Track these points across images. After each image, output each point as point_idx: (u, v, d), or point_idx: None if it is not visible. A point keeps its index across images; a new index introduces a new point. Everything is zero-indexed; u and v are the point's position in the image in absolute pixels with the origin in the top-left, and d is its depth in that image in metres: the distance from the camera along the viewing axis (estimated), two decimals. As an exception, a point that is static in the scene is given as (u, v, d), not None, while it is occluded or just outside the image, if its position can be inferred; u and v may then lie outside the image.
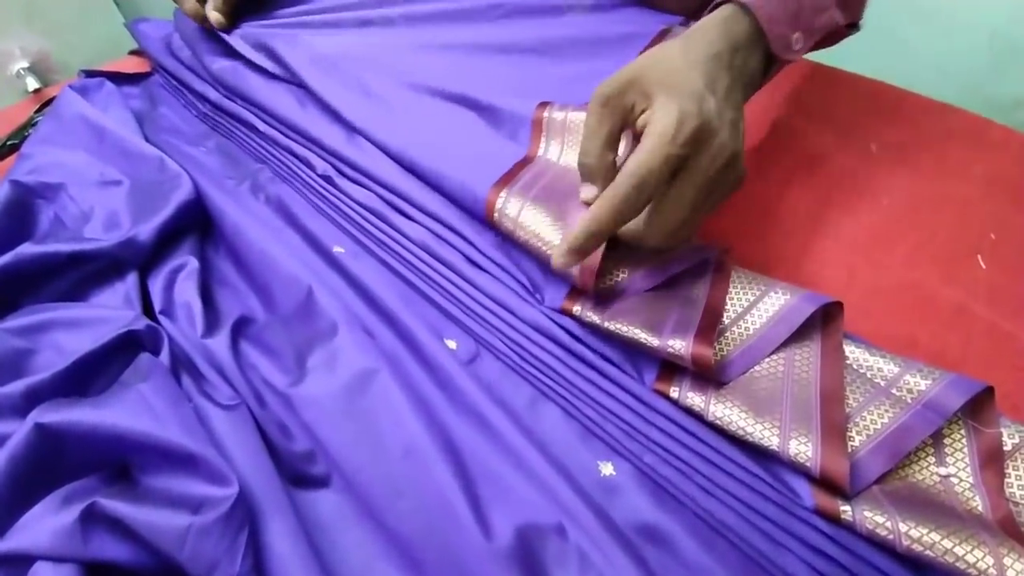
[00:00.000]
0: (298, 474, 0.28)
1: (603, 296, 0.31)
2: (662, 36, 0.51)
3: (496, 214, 0.32)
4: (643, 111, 0.28)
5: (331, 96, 0.42)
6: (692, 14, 0.50)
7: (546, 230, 0.31)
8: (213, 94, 0.49)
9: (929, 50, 0.92)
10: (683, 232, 0.29)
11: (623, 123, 0.29)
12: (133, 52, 0.63)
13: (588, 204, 0.29)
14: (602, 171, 0.29)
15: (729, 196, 0.29)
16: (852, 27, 0.38)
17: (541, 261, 0.32)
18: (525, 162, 0.35)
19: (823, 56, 0.54)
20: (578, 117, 0.37)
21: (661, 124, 0.26)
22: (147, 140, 0.43)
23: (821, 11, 0.33)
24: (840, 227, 0.37)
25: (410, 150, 0.37)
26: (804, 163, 0.41)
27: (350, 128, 0.41)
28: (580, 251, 0.27)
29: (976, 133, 0.43)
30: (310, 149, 0.43)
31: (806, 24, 0.32)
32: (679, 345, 0.27)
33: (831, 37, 0.37)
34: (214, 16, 0.48)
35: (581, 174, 0.30)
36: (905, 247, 0.35)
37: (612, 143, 0.29)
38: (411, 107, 0.41)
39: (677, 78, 0.27)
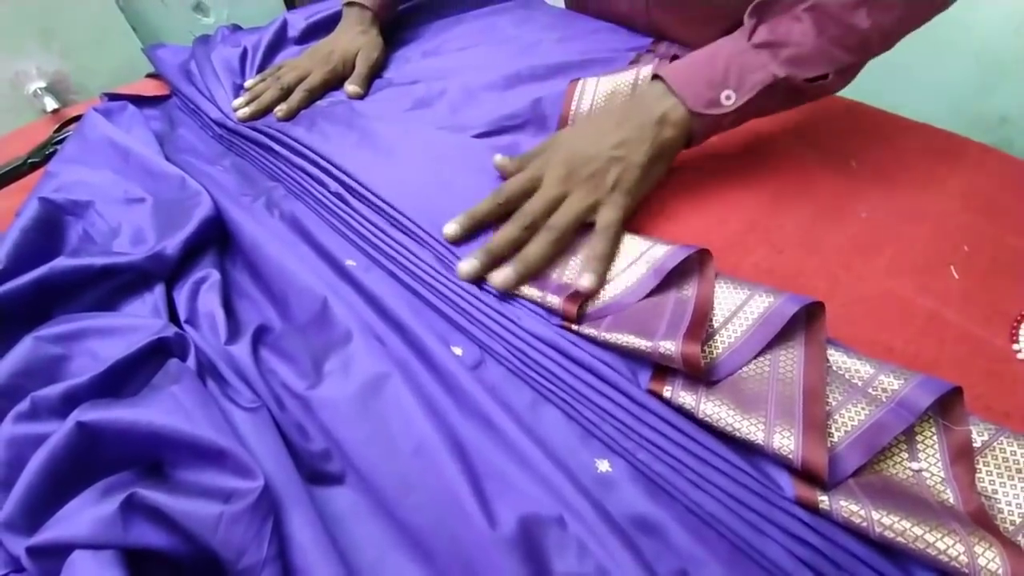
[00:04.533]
0: (315, 471, 0.30)
1: (595, 314, 0.34)
2: (634, 64, 0.55)
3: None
4: None
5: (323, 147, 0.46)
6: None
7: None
8: (231, 123, 0.52)
9: (917, 70, 0.95)
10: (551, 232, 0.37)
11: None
12: (150, 75, 0.66)
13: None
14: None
15: (598, 203, 0.38)
16: (822, 78, 0.40)
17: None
18: None
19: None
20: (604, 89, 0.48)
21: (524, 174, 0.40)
22: (168, 159, 0.46)
23: (755, 71, 0.39)
24: (823, 241, 0.39)
25: (391, 196, 0.42)
26: (791, 180, 0.44)
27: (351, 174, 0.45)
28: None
29: (954, 150, 0.46)
30: (322, 169, 0.45)
31: (736, 83, 0.39)
32: (669, 346, 0.29)
33: (793, 93, 0.41)
34: (352, 90, 0.55)
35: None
36: (883, 259, 0.37)
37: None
38: (409, 146, 0.45)
39: (554, 147, 0.42)
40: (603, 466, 0.29)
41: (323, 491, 0.29)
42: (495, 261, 0.37)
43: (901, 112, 0.50)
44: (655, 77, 0.41)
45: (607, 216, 0.37)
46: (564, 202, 0.38)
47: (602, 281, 0.35)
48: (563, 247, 0.37)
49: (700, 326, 0.30)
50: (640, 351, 0.30)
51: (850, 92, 0.53)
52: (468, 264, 0.36)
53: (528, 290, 0.36)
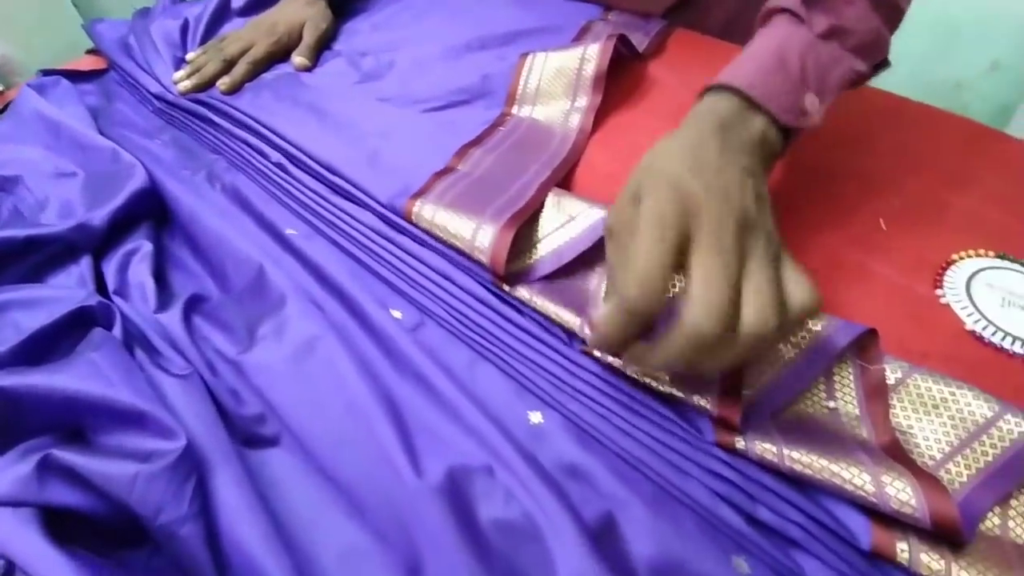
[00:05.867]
0: (250, 435, 0.30)
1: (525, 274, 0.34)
2: (584, 31, 0.55)
3: (414, 217, 0.36)
4: None
5: (265, 115, 0.45)
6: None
7: (462, 226, 0.34)
8: (170, 96, 0.50)
9: (870, 37, 0.96)
10: (755, 312, 0.23)
11: None
12: (91, 51, 0.64)
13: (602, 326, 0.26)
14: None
15: (776, 255, 0.25)
16: (882, 65, 0.35)
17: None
18: (441, 174, 0.39)
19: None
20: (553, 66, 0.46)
21: (642, 224, 0.24)
22: (102, 134, 0.45)
23: (832, 67, 0.31)
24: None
25: (336, 163, 0.41)
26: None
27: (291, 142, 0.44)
28: (606, 346, 0.27)
29: (890, 110, 0.47)
30: (263, 139, 0.44)
31: (817, 86, 0.31)
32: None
33: (860, 80, 0.34)
34: (299, 61, 0.53)
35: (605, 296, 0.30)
36: (816, 214, 0.38)
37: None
38: (356, 118, 0.45)
39: (656, 178, 0.25)
40: (536, 418, 0.30)
41: (259, 454, 0.29)
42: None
43: (855, 81, 0.50)
44: (720, 88, 0.30)
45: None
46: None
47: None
48: None
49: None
50: (567, 327, 0.31)
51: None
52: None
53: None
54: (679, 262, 0.24)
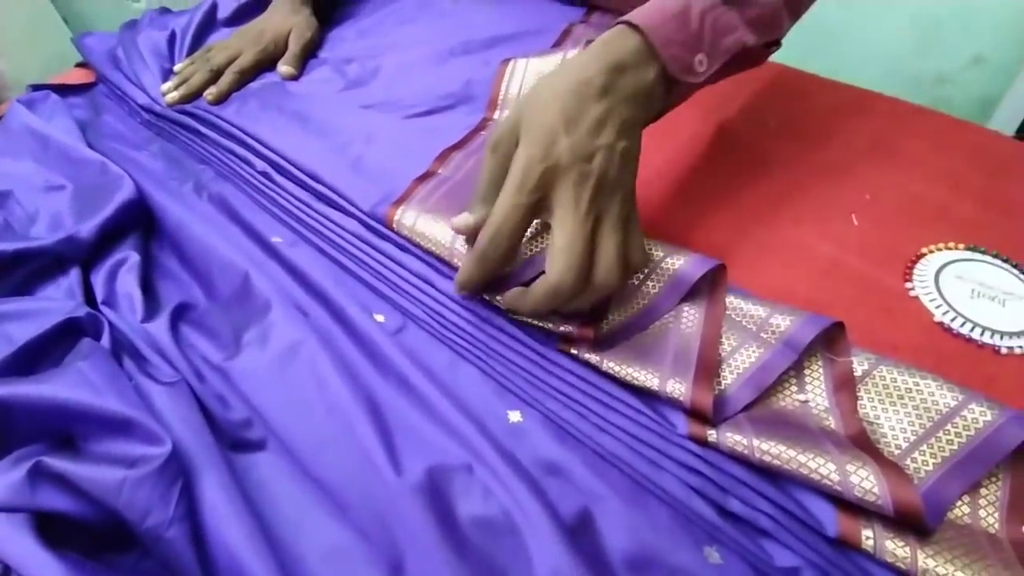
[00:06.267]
0: (237, 440, 0.30)
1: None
2: (566, 34, 0.55)
3: (395, 225, 0.37)
4: None
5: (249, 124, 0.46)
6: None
7: (441, 233, 0.35)
8: (159, 108, 0.51)
9: (852, 34, 0.97)
10: (604, 270, 0.28)
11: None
12: (80, 64, 0.65)
13: (459, 227, 0.32)
14: (486, 208, 0.30)
15: (626, 217, 0.29)
16: (773, 45, 0.36)
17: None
18: (423, 178, 0.40)
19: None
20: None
21: (510, 174, 0.28)
22: (91, 147, 0.45)
23: (727, 33, 0.32)
24: (736, 195, 0.40)
25: (320, 171, 0.41)
26: (708, 138, 0.45)
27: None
28: (467, 290, 0.32)
29: (864, 104, 0.47)
30: (249, 148, 0.45)
31: (708, 47, 0.31)
32: (568, 328, 0.31)
33: (746, 58, 0.35)
34: (285, 70, 0.54)
35: (470, 207, 0.32)
36: (789, 209, 0.39)
37: (501, 181, 0.29)
38: (340, 125, 0.45)
39: (538, 117, 0.28)
40: (515, 416, 0.30)
41: (245, 458, 0.30)
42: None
43: (837, 78, 0.51)
44: (627, 25, 0.30)
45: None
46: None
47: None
48: None
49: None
50: (542, 327, 0.32)
51: (783, 58, 0.54)
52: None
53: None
54: (539, 213, 0.29)
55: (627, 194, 0.29)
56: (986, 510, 0.26)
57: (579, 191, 0.28)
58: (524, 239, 0.31)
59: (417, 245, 0.36)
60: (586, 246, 0.28)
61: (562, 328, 0.31)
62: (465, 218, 0.32)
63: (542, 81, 0.30)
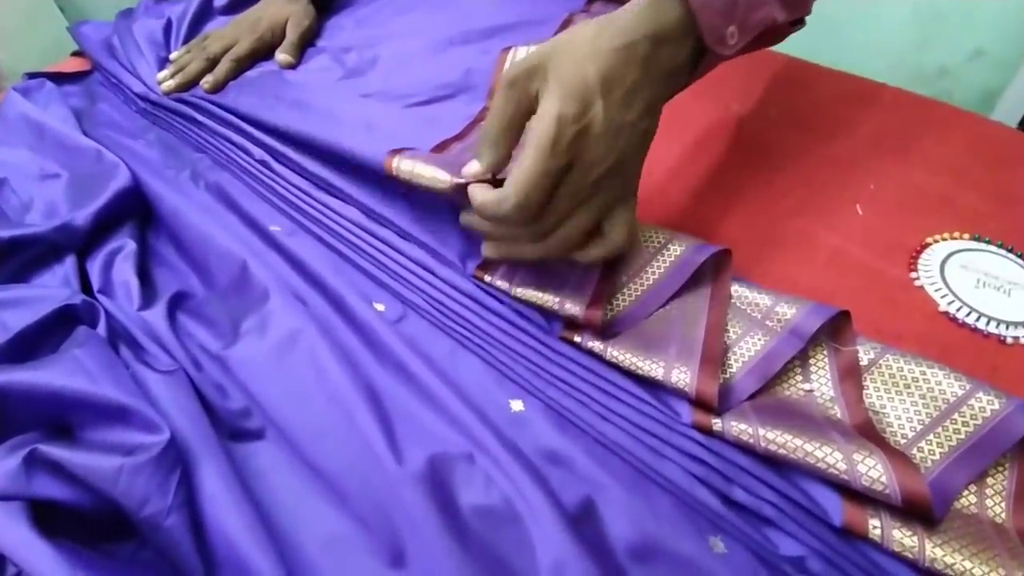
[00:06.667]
0: (236, 429, 0.30)
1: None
2: (566, 24, 0.55)
3: (394, 170, 0.35)
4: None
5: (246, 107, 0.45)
6: None
7: (441, 172, 0.32)
8: (154, 96, 0.51)
9: (854, 26, 0.96)
10: (563, 237, 0.29)
11: (528, 107, 0.28)
12: (76, 53, 0.64)
13: (469, 178, 0.30)
14: (495, 154, 0.29)
15: (622, 196, 0.29)
16: (797, 23, 0.35)
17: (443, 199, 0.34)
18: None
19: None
20: None
21: (539, 134, 0.26)
22: (86, 135, 0.45)
23: (758, 6, 0.30)
24: (741, 187, 0.40)
25: (317, 132, 0.40)
26: (712, 131, 0.45)
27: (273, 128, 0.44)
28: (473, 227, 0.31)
29: (868, 95, 0.47)
30: (247, 136, 0.45)
31: (741, 18, 0.29)
32: (574, 309, 0.30)
33: (771, 34, 0.33)
34: (283, 58, 0.53)
35: (477, 151, 0.30)
36: (793, 200, 0.39)
37: (513, 126, 0.29)
38: (339, 114, 0.44)
39: (572, 70, 0.26)
40: (516, 406, 0.30)
41: (244, 447, 0.29)
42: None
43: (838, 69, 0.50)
44: None
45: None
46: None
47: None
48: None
49: (606, 286, 0.31)
50: (548, 307, 0.31)
51: (785, 50, 0.54)
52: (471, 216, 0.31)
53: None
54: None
55: (632, 176, 0.29)
56: (993, 499, 0.26)
57: (597, 167, 0.27)
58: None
59: (417, 187, 0.34)
60: (571, 205, 0.28)
61: (568, 307, 0.30)
62: (472, 166, 0.30)
63: (579, 31, 0.28)
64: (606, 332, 0.31)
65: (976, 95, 0.95)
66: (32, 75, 0.55)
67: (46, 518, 0.24)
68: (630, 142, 0.28)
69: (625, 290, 0.33)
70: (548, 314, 0.32)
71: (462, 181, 0.31)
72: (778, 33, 0.34)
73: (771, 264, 0.35)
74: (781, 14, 0.32)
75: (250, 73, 0.53)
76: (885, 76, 0.49)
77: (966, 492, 0.26)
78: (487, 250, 0.32)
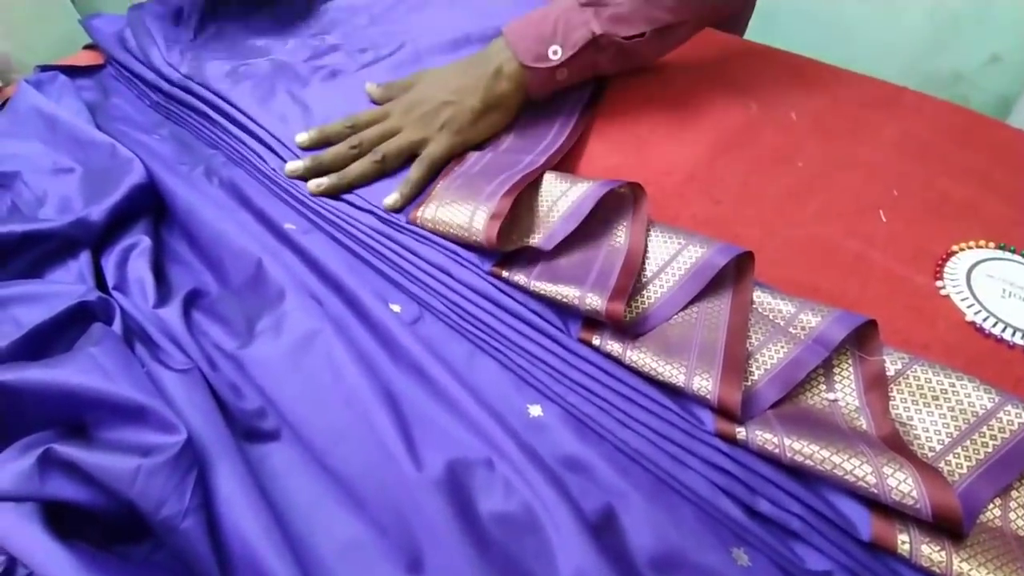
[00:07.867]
0: (251, 430, 0.30)
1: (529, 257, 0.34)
2: None
3: (419, 221, 0.37)
4: None
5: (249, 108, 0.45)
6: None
7: (461, 217, 0.35)
8: (166, 85, 0.50)
9: (869, 29, 0.96)
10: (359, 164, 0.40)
11: None
12: (88, 47, 0.64)
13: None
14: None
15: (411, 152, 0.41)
16: (639, 36, 0.42)
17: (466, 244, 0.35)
18: (441, 175, 0.40)
19: (759, 36, 0.56)
20: None
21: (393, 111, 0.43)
22: (100, 129, 0.44)
23: (578, 28, 0.41)
24: (760, 191, 0.40)
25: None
26: (732, 133, 0.44)
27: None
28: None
29: (889, 99, 0.46)
30: (264, 143, 0.44)
31: (562, 39, 0.41)
32: (595, 301, 0.29)
33: (623, 51, 0.42)
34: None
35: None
36: (815, 205, 0.38)
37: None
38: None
39: (415, 103, 0.43)
40: (535, 411, 0.30)
41: (259, 448, 0.29)
42: (320, 171, 0.40)
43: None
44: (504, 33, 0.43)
45: (430, 149, 0.41)
46: (397, 134, 0.41)
47: (405, 202, 0.38)
48: (383, 172, 0.41)
49: (628, 279, 0.31)
50: (568, 302, 0.31)
51: (798, 51, 0.53)
52: (295, 163, 0.40)
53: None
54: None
55: (447, 141, 0.41)
56: (1016, 512, 0.25)
57: (404, 113, 0.42)
58: (547, 205, 0.36)
59: (438, 233, 0.36)
60: (383, 131, 0.41)
61: (589, 300, 0.30)
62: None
63: (427, 83, 0.45)
64: (627, 330, 0.30)
65: (991, 100, 0.94)
66: (44, 68, 0.55)
67: (59, 519, 0.23)
68: (459, 111, 0.41)
69: (644, 292, 0.32)
70: (566, 314, 0.32)
71: (477, 227, 0.34)
72: (625, 50, 0.42)
73: (791, 270, 0.35)
74: (598, 27, 0.41)
75: (265, 65, 0.52)
76: (899, 80, 0.49)
77: (991, 505, 0.25)
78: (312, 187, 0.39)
